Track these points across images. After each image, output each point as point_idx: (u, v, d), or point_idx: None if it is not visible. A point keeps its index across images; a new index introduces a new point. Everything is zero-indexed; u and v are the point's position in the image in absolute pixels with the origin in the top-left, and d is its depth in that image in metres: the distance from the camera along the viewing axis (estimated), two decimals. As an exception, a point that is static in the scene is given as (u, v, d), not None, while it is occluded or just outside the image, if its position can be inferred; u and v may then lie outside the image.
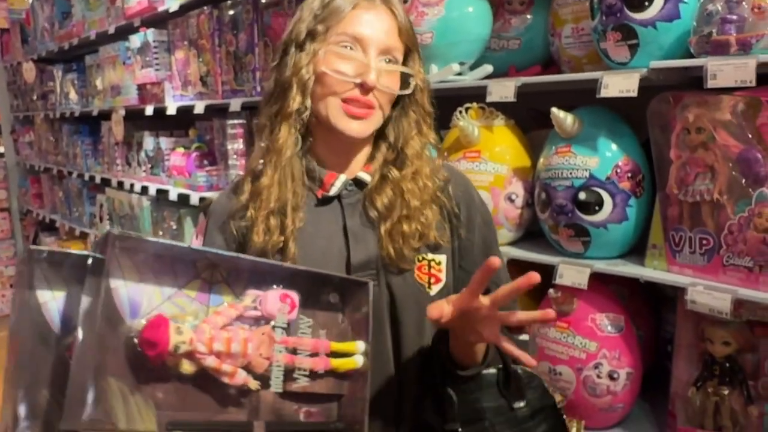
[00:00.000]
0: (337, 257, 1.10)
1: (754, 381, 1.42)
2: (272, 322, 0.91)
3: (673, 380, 1.54)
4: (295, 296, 0.93)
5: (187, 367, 0.85)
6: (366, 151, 1.15)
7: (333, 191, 1.11)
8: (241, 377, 0.88)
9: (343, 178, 1.12)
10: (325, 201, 1.13)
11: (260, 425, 0.90)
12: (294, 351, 0.92)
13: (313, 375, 0.94)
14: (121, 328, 0.83)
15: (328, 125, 1.09)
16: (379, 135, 1.16)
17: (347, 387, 0.97)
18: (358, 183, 1.14)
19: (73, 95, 4.38)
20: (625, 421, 1.66)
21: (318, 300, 0.96)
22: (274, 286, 0.92)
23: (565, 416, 1.53)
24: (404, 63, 1.11)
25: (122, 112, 3.52)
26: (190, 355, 0.85)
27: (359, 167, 1.14)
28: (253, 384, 0.89)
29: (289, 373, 0.92)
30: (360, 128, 1.07)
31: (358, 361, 0.95)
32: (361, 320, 0.97)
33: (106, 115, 3.80)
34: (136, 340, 0.83)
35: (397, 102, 1.13)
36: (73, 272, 0.83)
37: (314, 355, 0.94)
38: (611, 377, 1.56)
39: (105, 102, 3.81)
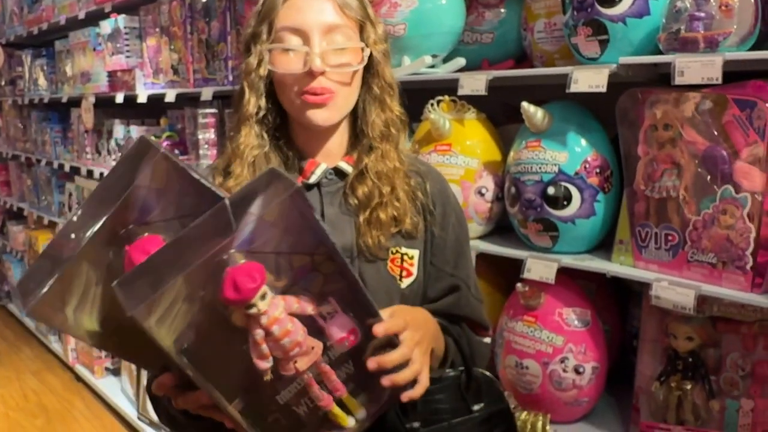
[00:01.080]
0: None
1: (716, 376, 1.44)
2: (327, 342, 0.88)
3: (638, 375, 1.56)
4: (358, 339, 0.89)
5: (237, 319, 0.82)
6: (343, 135, 1.15)
7: (313, 179, 1.11)
8: (266, 365, 0.84)
9: (323, 166, 1.12)
10: (305, 188, 1.12)
11: (238, 404, 0.87)
12: (321, 380, 0.89)
13: (313, 411, 0.91)
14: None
15: (296, 118, 1.10)
16: (356, 120, 1.15)
17: None
18: (339, 173, 1.14)
19: (42, 81, 4.29)
20: (590, 415, 1.67)
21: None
22: (352, 315, 0.88)
23: (518, 417, 1.55)
24: (361, 36, 1.10)
25: (92, 100, 3.46)
26: (251, 318, 0.82)
27: (340, 155, 1.14)
28: (268, 377, 0.86)
29: (300, 395, 0.89)
30: (324, 116, 1.07)
31: (350, 422, 0.92)
32: (380, 408, 0.95)
33: (75, 102, 3.73)
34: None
35: (364, 80, 1.13)
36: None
37: (329, 392, 0.90)
38: (577, 371, 1.57)
39: (75, 89, 3.74)
